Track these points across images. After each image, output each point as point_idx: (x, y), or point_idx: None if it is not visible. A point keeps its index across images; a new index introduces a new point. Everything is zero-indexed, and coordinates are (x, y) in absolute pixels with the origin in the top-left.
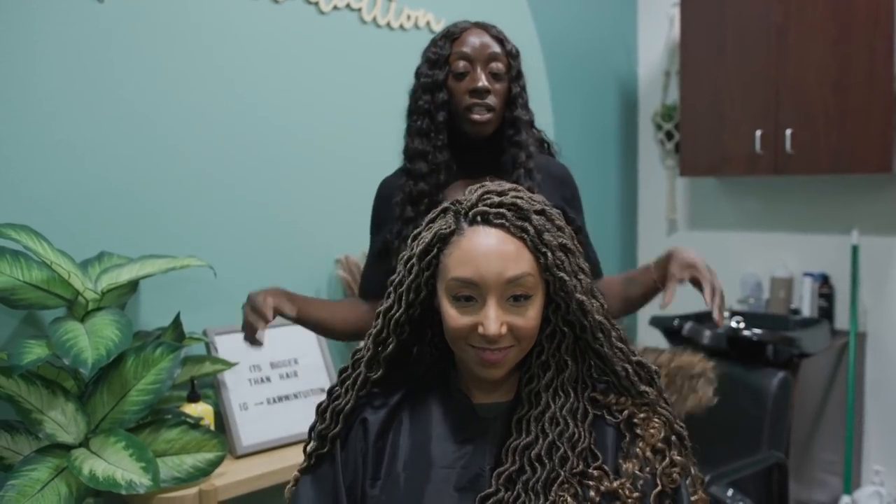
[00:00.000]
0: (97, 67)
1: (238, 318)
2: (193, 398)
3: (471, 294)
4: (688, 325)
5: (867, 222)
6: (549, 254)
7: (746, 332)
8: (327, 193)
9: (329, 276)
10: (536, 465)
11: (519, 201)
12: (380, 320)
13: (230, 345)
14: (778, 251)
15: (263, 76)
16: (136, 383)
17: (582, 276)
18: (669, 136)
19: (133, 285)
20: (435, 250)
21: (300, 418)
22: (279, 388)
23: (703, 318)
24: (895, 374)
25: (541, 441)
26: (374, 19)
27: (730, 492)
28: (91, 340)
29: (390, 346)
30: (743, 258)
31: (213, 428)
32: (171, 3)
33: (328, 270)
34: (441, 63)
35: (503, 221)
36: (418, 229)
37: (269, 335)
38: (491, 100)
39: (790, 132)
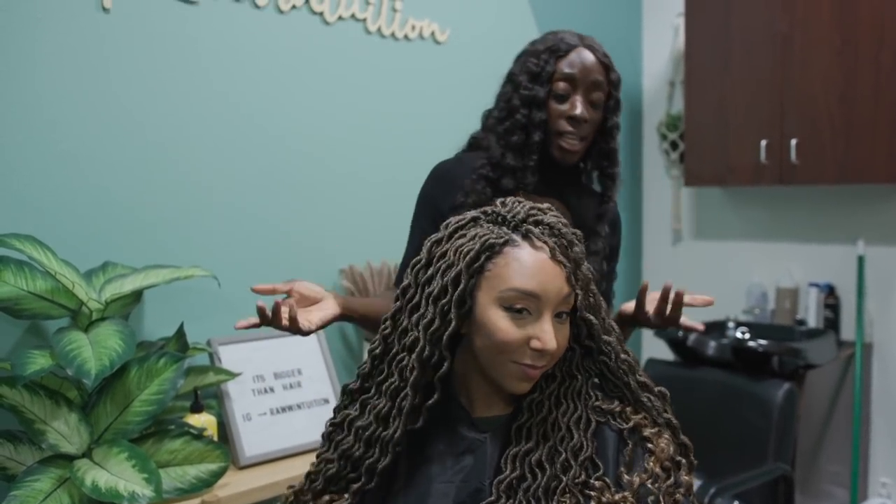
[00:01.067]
0: (101, 77)
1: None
2: (197, 409)
3: (526, 307)
4: (692, 337)
5: (873, 233)
6: (582, 281)
7: (752, 343)
8: (332, 204)
9: (333, 286)
10: (537, 471)
11: (562, 226)
12: (421, 338)
13: (234, 355)
14: (783, 261)
15: (268, 87)
16: (140, 394)
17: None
18: (674, 145)
19: (137, 295)
20: (483, 258)
21: (303, 429)
22: (283, 399)
23: (708, 330)
24: None
25: (541, 447)
26: (379, 29)
27: None
28: (94, 351)
29: (444, 366)
30: (748, 268)
31: (216, 439)
32: (176, 14)
33: (332, 280)
34: (544, 80)
35: (555, 240)
36: (442, 236)
37: (272, 345)
38: (584, 129)
39: (795, 142)
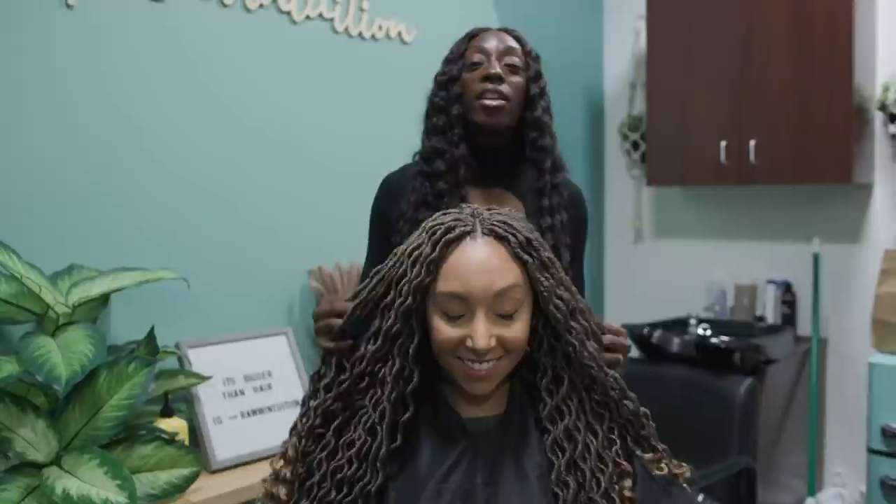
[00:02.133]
0: (65, 76)
1: (210, 330)
2: (167, 413)
3: (459, 307)
4: (657, 333)
5: (828, 231)
6: (538, 262)
7: (714, 340)
8: (300, 204)
9: (302, 287)
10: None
11: (514, 223)
12: (397, 355)
13: (203, 358)
14: (742, 259)
15: (235, 86)
16: (110, 399)
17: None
18: (636, 146)
19: (104, 299)
20: (424, 277)
21: (275, 432)
22: (253, 402)
23: (672, 327)
24: (854, 378)
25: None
26: (347, 29)
27: (700, 497)
28: (64, 356)
29: (415, 380)
30: (708, 266)
31: (187, 443)
32: (142, 11)
33: (301, 281)
34: (456, 59)
35: (508, 236)
36: (404, 249)
37: (241, 347)
38: (505, 88)
39: (754, 143)
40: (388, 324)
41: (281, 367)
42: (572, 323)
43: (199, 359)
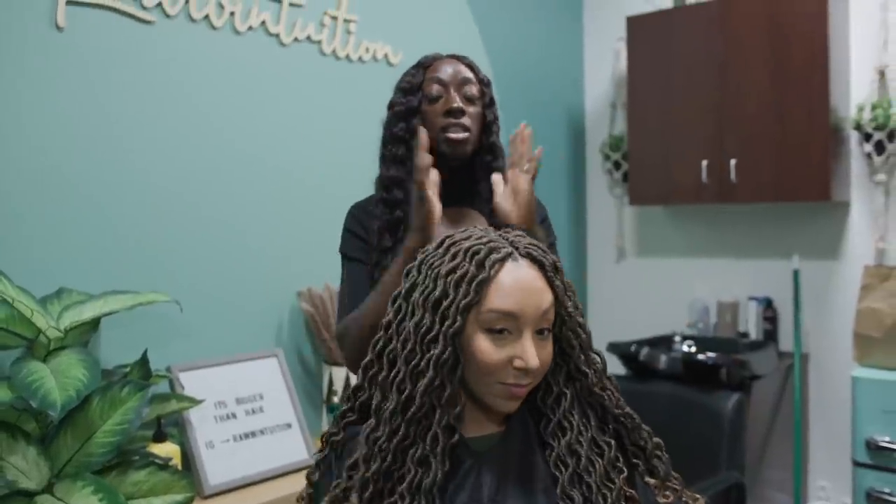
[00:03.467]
0: (54, 97)
1: (200, 353)
2: (160, 438)
3: (506, 326)
4: (644, 351)
5: (807, 248)
6: (562, 287)
7: (701, 356)
8: (289, 226)
9: (292, 308)
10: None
11: (534, 241)
12: (447, 381)
13: (194, 381)
14: (724, 277)
15: (224, 108)
16: (103, 424)
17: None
18: (617, 165)
19: (95, 322)
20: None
21: (267, 455)
22: (245, 425)
23: (657, 344)
24: (836, 392)
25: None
26: (334, 51)
27: None
28: (58, 381)
29: (462, 403)
30: (690, 284)
31: (180, 468)
32: (132, 33)
33: (291, 303)
34: (414, 90)
35: (536, 257)
36: (433, 272)
37: (232, 371)
38: (466, 120)
39: (734, 162)
40: (438, 350)
41: (272, 390)
42: (588, 350)
43: (190, 382)
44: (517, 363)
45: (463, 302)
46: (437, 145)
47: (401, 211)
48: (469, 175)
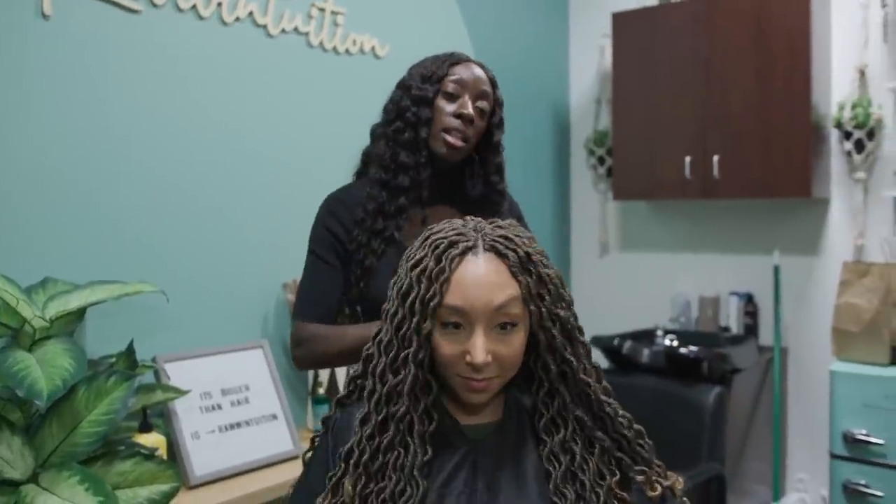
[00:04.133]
0: (39, 86)
1: (186, 344)
2: (146, 428)
3: (459, 321)
4: (627, 344)
5: (788, 244)
6: (534, 279)
7: (683, 350)
8: (274, 217)
9: (277, 300)
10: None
11: (516, 237)
12: (412, 368)
13: (180, 372)
14: (706, 271)
15: (210, 99)
16: (88, 414)
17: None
18: (601, 160)
19: (81, 312)
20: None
21: (253, 446)
22: (231, 416)
23: (639, 338)
24: (814, 386)
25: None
26: (321, 43)
27: None
28: (44, 371)
29: (434, 390)
30: (673, 278)
31: (166, 458)
32: (118, 23)
33: (276, 294)
34: (434, 80)
35: (508, 252)
36: (406, 261)
37: (218, 361)
38: (470, 130)
39: (717, 158)
40: (414, 348)
41: (257, 381)
42: (569, 341)
43: (175, 373)
44: (467, 358)
45: (426, 297)
46: (432, 142)
47: (405, 199)
48: (459, 178)
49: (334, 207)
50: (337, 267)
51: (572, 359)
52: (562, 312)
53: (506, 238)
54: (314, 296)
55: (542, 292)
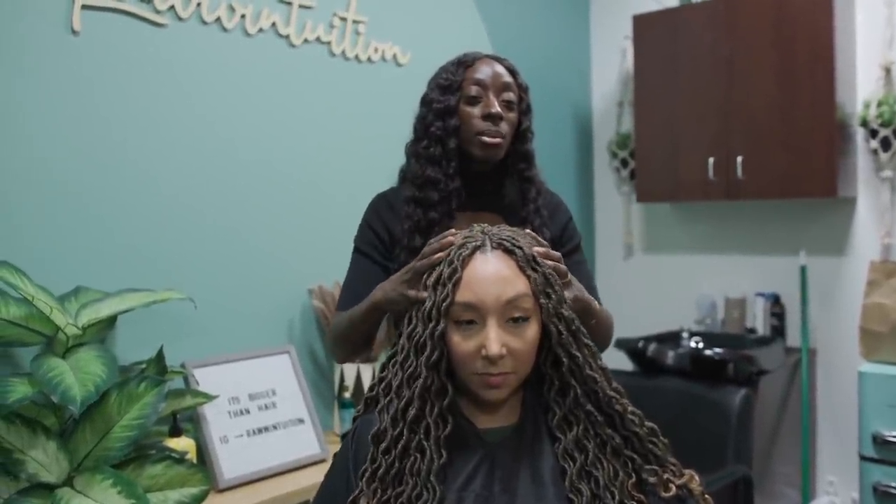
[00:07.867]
0: (71, 100)
1: (214, 350)
2: (176, 433)
3: (472, 318)
4: (652, 346)
5: (814, 243)
6: (543, 275)
7: (709, 352)
8: (300, 224)
9: (303, 305)
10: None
11: (515, 234)
12: (428, 372)
13: (208, 377)
14: (731, 273)
15: (236, 108)
16: (120, 419)
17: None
18: (624, 163)
19: (112, 320)
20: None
21: (280, 449)
22: (258, 420)
23: (665, 340)
24: (843, 387)
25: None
26: (343, 52)
27: None
28: (78, 377)
29: (449, 393)
30: (698, 280)
31: (195, 462)
32: (145, 36)
33: (302, 300)
34: (454, 89)
35: (505, 246)
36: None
37: (245, 367)
38: (503, 127)
39: (741, 159)
40: (427, 352)
41: (284, 386)
42: (574, 338)
43: (204, 378)
44: (483, 352)
45: (444, 304)
46: (469, 147)
47: (435, 212)
48: (496, 180)
49: (379, 206)
50: (379, 263)
51: (578, 354)
52: (565, 312)
53: (512, 238)
54: (352, 290)
55: (549, 290)
